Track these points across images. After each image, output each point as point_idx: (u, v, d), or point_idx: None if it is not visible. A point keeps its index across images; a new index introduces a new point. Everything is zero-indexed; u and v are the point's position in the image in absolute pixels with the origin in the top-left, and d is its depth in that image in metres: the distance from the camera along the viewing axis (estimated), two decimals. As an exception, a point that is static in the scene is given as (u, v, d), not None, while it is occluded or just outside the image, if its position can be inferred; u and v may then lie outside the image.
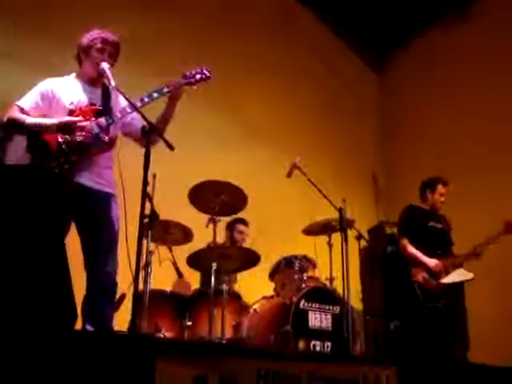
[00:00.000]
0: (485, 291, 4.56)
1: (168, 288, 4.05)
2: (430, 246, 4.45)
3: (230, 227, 4.89)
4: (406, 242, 4.48)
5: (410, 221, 4.57)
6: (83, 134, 2.89)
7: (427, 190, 4.64)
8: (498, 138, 5.83)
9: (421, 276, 4.36)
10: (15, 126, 2.90)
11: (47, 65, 4.33)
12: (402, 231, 4.61)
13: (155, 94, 3.06)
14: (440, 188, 4.60)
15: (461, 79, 6.43)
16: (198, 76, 3.22)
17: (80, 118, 2.92)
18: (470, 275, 4.33)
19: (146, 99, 3.03)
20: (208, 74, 3.25)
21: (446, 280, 4.34)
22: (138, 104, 2.97)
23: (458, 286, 4.40)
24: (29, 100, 2.99)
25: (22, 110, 2.95)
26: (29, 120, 2.89)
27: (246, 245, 4.80)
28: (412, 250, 4.45)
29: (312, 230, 4.51)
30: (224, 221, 4.44)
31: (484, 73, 6.17)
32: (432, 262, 4.38)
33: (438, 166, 6.12)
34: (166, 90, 3.08)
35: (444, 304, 4.29)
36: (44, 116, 2.97)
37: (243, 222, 4.90)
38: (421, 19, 6.90)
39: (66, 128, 2.87)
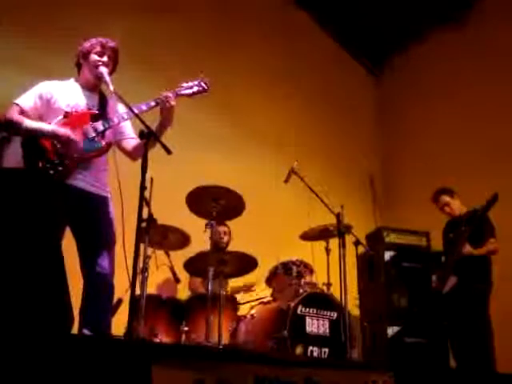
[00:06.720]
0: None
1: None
2: None
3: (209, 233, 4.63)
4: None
5: None
6: (75, 147, 2.85)
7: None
8: (495, 142, 5.83)
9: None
10: (13, 128, 2.89)
11: (47, 69, 4.31)
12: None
13: (152, 103, 3.05)
14: None
15: (457, 83, 6.44)
16: (195, 88, 3.20)
17: (74, 136, 2.86)
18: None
19: (144, 107, 3.04)
20: (205, 87, 3.22)
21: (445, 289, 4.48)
22: (136, 110, 2.96)
23: (481, 292, 4.36)
24: (28, 100, 2.98)
25: (22, 111, 2.93)
26: (27, 122, 2.88)
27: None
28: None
29: (309, 236, 4.51)
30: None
31: (480, 78, 6.19)
32: None
33: (435, 170, 6.15)
34: (159, 101, 3.05)
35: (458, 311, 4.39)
36: (40, 116, 2.96)
37: (220, 223, 4.43)
38: (418, 25, 6.94)
39: (59, 139, 2.85)
